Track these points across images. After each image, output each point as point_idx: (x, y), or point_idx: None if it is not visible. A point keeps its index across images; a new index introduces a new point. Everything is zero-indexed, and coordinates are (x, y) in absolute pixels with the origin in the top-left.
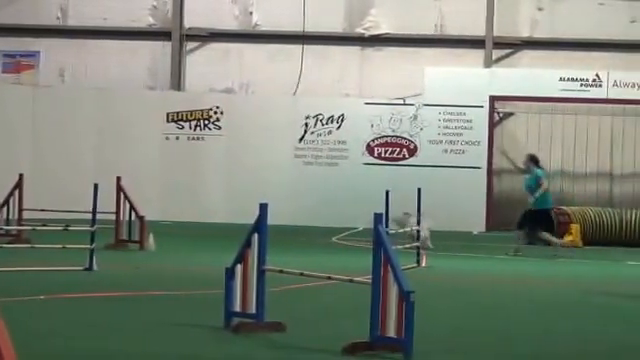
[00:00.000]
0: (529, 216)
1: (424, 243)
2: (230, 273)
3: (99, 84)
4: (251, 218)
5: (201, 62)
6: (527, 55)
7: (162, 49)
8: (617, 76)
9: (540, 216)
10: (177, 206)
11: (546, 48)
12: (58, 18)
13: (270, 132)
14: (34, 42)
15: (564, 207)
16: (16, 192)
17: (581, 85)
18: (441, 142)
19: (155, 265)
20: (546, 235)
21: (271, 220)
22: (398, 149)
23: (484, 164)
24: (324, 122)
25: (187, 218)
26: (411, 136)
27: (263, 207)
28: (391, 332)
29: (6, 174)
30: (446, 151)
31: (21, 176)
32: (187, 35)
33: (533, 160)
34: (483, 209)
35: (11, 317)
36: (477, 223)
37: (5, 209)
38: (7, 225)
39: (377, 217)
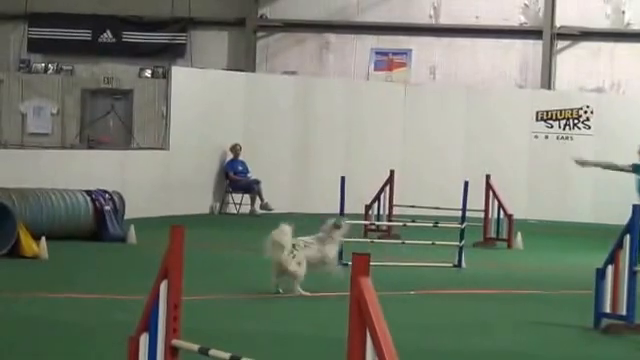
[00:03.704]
0: None
1: None
2: (601, 274)
3: (469, 82)
4: (618, 219)
5: (571, 61)
6: None
7: (532, 48)
8: None
9: None
10: (544, 205)
11: None
12: (431, 17)
13: None
14: (406, 40)
15: None
16: (387, 188)
17: None
18: None
19: (523, 264)
20: None
21: None
22: None
23: None
24: None
25: (553, 217)
26: None
27: (636, 209)
28: None
29: (378, 170)
30: None
31: (392, 172)
32: (558, 34)
33: None
34: None
35: (384, 311)
36: None
37: (376, 205)
38: (378, 220)
39: None
